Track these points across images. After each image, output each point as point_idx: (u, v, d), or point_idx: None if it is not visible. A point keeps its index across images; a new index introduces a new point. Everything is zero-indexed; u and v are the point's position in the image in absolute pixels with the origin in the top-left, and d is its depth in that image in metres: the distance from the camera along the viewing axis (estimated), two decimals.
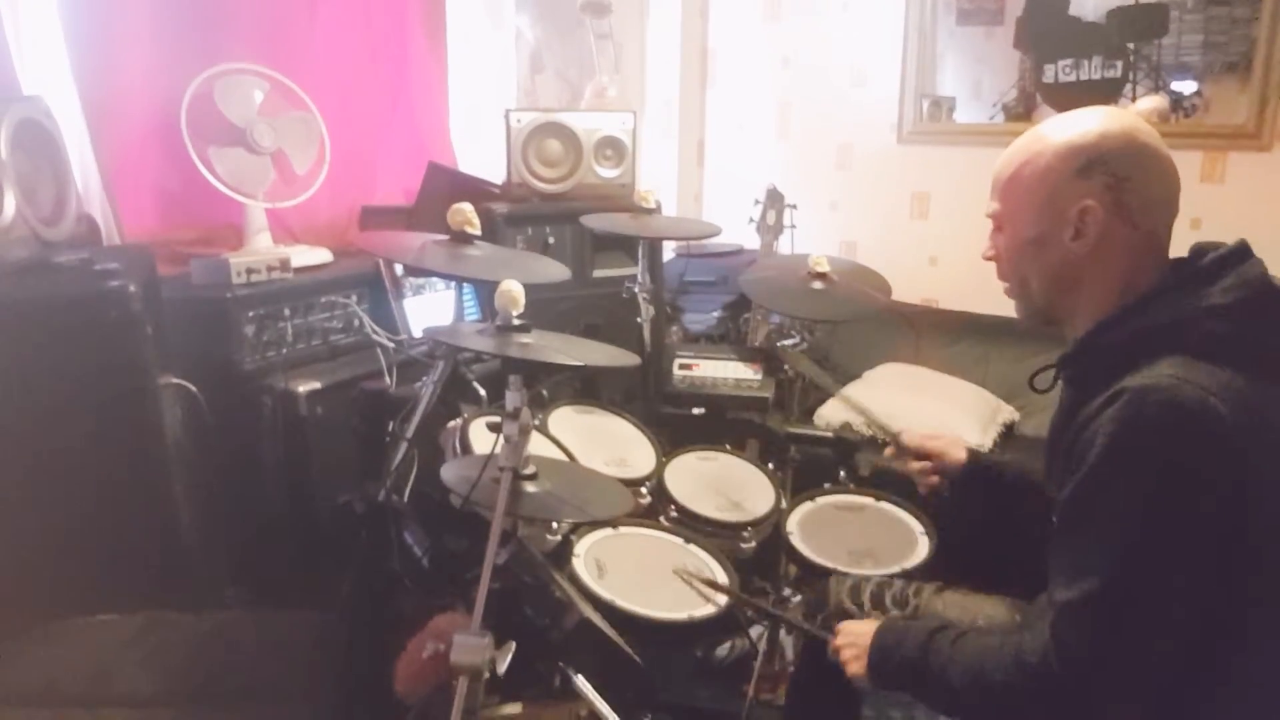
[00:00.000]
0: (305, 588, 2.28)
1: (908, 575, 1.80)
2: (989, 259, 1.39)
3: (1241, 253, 1.23)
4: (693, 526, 2.05)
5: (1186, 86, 3.11)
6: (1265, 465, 1.12)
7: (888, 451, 1.85)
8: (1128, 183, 1.22)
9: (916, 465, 1.78)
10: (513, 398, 1.49)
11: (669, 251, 3.67)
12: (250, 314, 2.32)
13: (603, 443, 2.23)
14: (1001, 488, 1.67)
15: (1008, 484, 1.66)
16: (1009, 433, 3.04)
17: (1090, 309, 1.28)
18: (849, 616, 1.61)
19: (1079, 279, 1.28)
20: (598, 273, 3.08)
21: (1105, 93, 3.21)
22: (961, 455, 1.72)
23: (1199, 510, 1.11)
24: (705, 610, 1.79)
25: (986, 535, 1.75)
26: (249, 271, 2.34)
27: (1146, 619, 1.12)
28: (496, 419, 1.50)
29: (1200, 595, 1.12)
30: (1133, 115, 1.28)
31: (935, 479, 1.76)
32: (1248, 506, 1.11)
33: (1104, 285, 1.27)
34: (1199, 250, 1.26)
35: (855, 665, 1.41)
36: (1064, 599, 1.16)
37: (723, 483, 2.20)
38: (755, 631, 2.03)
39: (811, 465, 2.36)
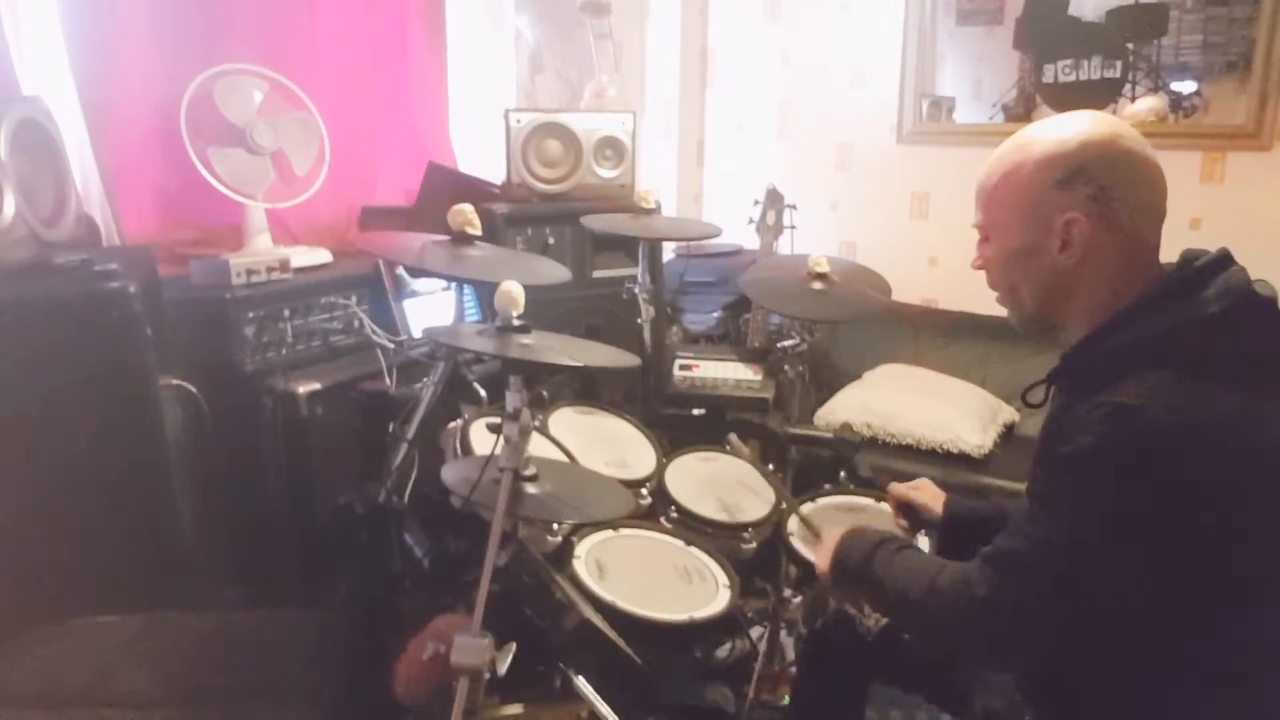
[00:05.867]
0: (305, 588, 2.29)
1: None
2: (978, 268, 1.39)
3: (1224, 260, 1.23)
4: (693, 527, 2.04)
5: (1186, 86, 3.11)
6: (1257, 480, 1.13)
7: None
8: (1111, 191, 1.21)
9: (900, 523, 1.82)
10: (513, 399, 1.50)
11: (669, 252, 3.67)
12: (250, 315, 2.32)
13: (603, 444, 2.23)
14: (981, 532, 1.68)
15: (990, 528, 1.67)
16: (1009, 434, 3.04)
17: (1084, 315, 1.28)
18: (848, 620, 1.62)
19: (1070, 287, 1.28)
20: (598, 273, 3.08)
21: (1104, 93, 3.21)
22: (938, 508, 1.74)
23: (1169, 522, 1.11)
24: (706, 611, 1.79)
25: None
26: (249, 272, 2.34)
27: (1074, 603, 1.16)
28: (497, 420, 1.50)
29: (1140, 601, 1.14)
30: (1116, 120, 1.27)
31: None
32: (1232, 526, 1.12)
33: (1096, 292, 1.26)
34: (1186, 258, 1.26)
35: (821, 562, 1.51)
36: (993, 548, 1.23)
37: (723, 484, 2.20)
38: (755, 632, 2.03)
39: (811, 466, 2.36)
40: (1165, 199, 1.26)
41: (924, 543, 1.94)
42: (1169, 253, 1.30)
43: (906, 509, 1.79)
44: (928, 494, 1.77)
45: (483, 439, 1.96)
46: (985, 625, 1.22)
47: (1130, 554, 1.13)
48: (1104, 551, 1.13)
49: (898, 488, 1.81)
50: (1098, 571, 1.14)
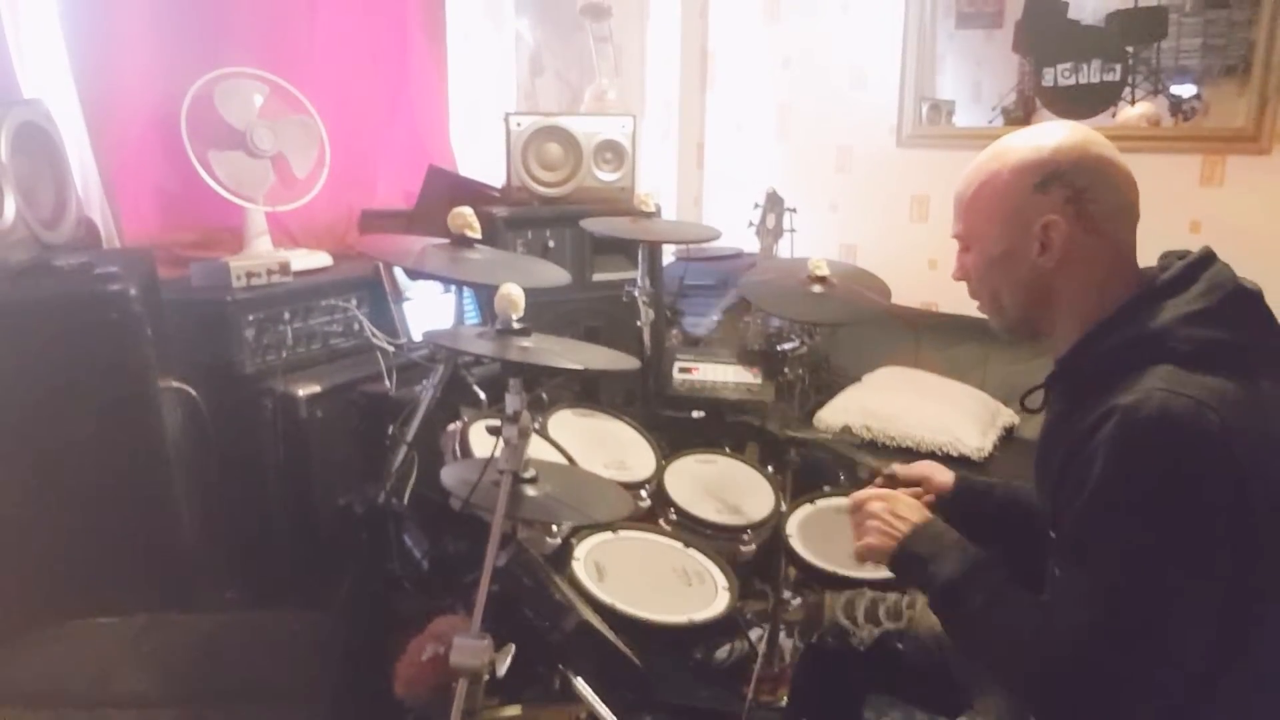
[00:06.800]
0: (305, 589, 2.29)
1: None
2: (959, 279, 1.40)
3: (1208, 258, 1.24)
4: (693, 529, 2.05)
5: (1186, 89, 3.11)
6: (1264, 466, 1.13)
7: (878, 482, 1.86)
8: (1086, 193, 1.24)
9: (911, 493, 1.80)
10: (512, 401, 1.50)
11: (668, 255, 3.67)
12: (250, 317, 2.33)
13: (602, 446, 2.23)
14: (990, 508, 1.67)
15: (996, 503, 1.66)
16: (1009, 436, 3.04)
17: (1069, 320, 1.29)
18: (844, 632, 1.62)
19: (1052, 292, 1.29)
20: (597, 276, 3.08)
21: (1104, 96, 3.21)
22: (948, 480, 1.72)
23: (1205, 518, 1.11)
24: (705, 613, 1.79)
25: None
26: (249, 275, 2.34)
27: (1170, 632, 1.12)
28: (496, 422, 1.50)
29: (1216, 597, 1.12)
30: (1087, 129, 1.29)
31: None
32: (1252, 509, 1.12)
33: (1078, 296, 1.28)
34: (1166, 259, 1.28)
35: (877, 540, 1.38)
36: (1087, 621, 1.14)
37: (722, 486, 2.20)
38: (755, 634, 2.03)
39: (811, 468, 2.36)
40: (1138, 203, 1.28)
41: None
42: (1156, 257, 1.31)
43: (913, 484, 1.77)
44: (928, 468, 1.76)
45: (482, 441, 1.96)
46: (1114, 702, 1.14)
47: (1197, 550, 1.11)
48: (1175, 558, 1.11)
49: (903, 470, 1.80)
50: (1180, 582, 1.11)
